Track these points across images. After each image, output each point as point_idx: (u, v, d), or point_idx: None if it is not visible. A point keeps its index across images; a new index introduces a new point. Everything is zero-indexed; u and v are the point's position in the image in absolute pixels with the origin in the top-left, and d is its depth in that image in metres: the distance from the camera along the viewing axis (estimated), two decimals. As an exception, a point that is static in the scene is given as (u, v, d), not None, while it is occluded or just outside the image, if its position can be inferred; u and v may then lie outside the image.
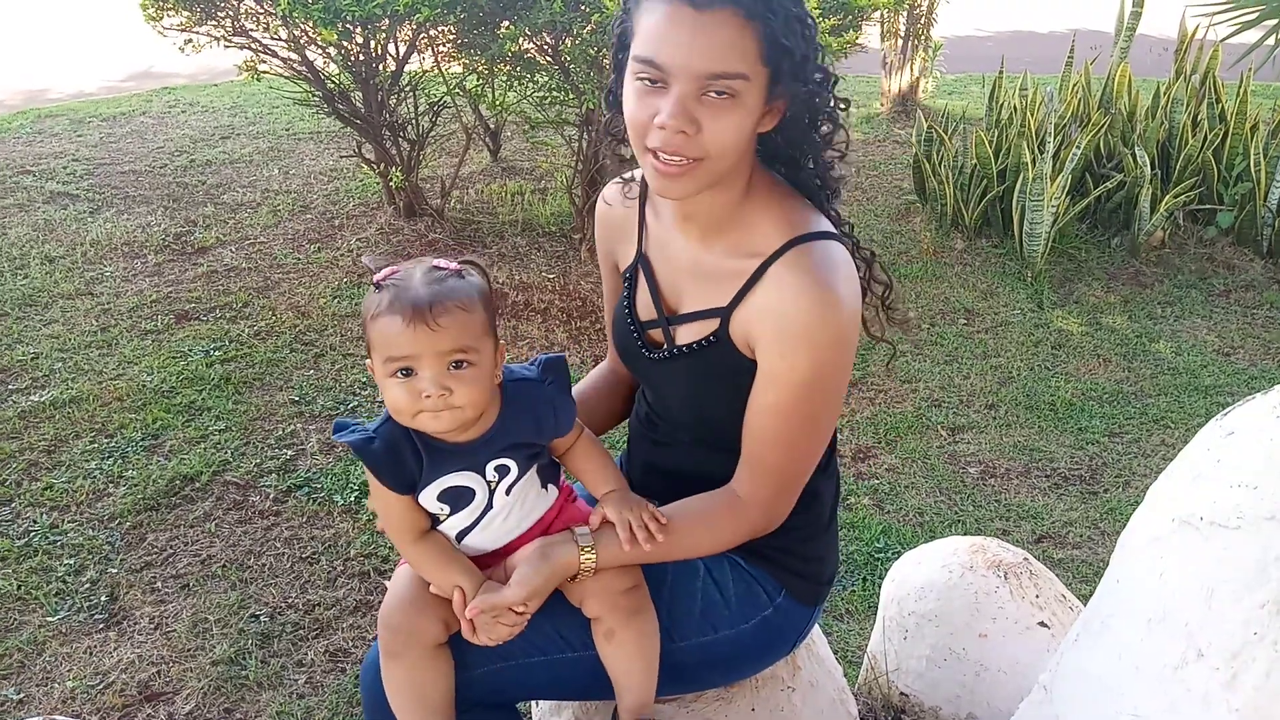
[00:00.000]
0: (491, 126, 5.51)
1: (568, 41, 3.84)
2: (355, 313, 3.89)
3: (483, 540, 1.35)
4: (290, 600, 2.60)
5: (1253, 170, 4.57)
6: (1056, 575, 2.01)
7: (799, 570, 1.47)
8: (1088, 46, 5.40)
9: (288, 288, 4.18)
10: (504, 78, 4.26)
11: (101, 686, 2.33)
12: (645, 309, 1.46)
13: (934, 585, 1.93)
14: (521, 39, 3.82)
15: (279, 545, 2.79)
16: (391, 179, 4.49)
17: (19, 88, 7.46)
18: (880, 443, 3.36)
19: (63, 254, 4.42)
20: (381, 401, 1.28)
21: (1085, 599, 1.64)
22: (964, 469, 3.24)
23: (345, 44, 3.99)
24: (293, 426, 3.30)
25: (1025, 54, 7.39)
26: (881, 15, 5.87)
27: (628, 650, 1.35)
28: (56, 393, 3.41)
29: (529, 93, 4.33)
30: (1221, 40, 4.99)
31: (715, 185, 1.28)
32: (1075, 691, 1.37)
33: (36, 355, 3.65)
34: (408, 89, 4.51)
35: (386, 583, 1.41)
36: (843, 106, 1.36)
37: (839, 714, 1.65)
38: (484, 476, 1.31)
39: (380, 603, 1.39)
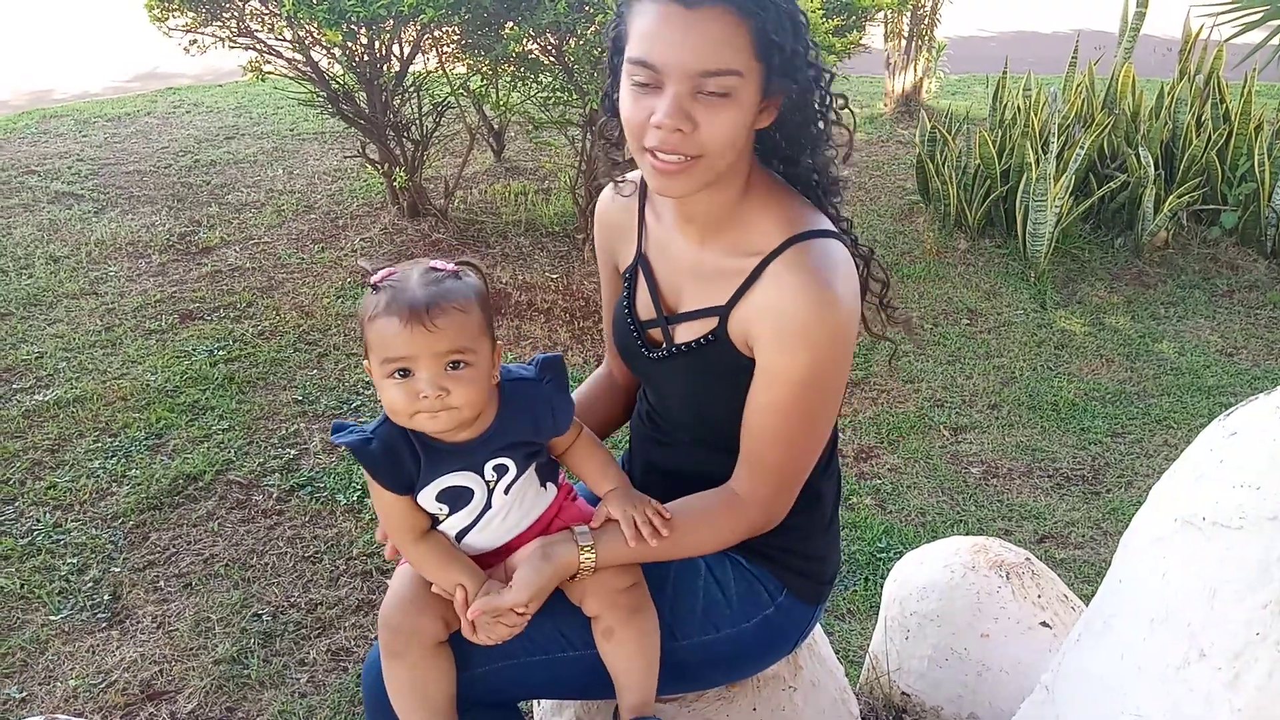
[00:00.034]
0: (495, 127, 5.51)
1: (571, 42, 3.84)
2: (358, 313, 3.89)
3: (482, 539, 1.35)
4: (293, 599, 2.60)
5: (1256, 171, 4.56)
6: (1058, 575, 2.01)
7: (801, 569, 1.47)
8: (1091, 47, 5.40)
9: (291, 288, 4.19)
10: (508, 78, 4.26)
11: (104, 685, 2.33)
12: (645, 309, 1.47)
13: (936, 585, 1.93)
14: (525, 40, 3.82)
15: (282, 544, 2.79)
16: (395, 179, 4.49)
17: (24, 88, 7.48)
18: (883, 442, 3.36)
19: (67, 254, 4.43)
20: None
21: (1087, 599, 1.63)
22: (966, 469, 3.23)
23: (350, 45, 4.00)
24: (296, 426, 3.30)
25: (1029, 54, 7.39)
26: (885, 16, 5.88)
27: (627, 648, 1.35)
28: (61, 392, 3.42)
29: (533, 93, 4.33)
30: (1225, 40, 4.99)
31: (714, 183, 1.29)
32: (1077, 691, 1.37)
33: (41, 354, 3.66)
34: (412, 90, 4.51)
35: (388, 582, 1.41)
36: (840, 103, 1.36)
37: (840, 714, 1.65)
38: (482, 476, 1.31)
39: (382, 602, 1.39)
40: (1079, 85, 5.03)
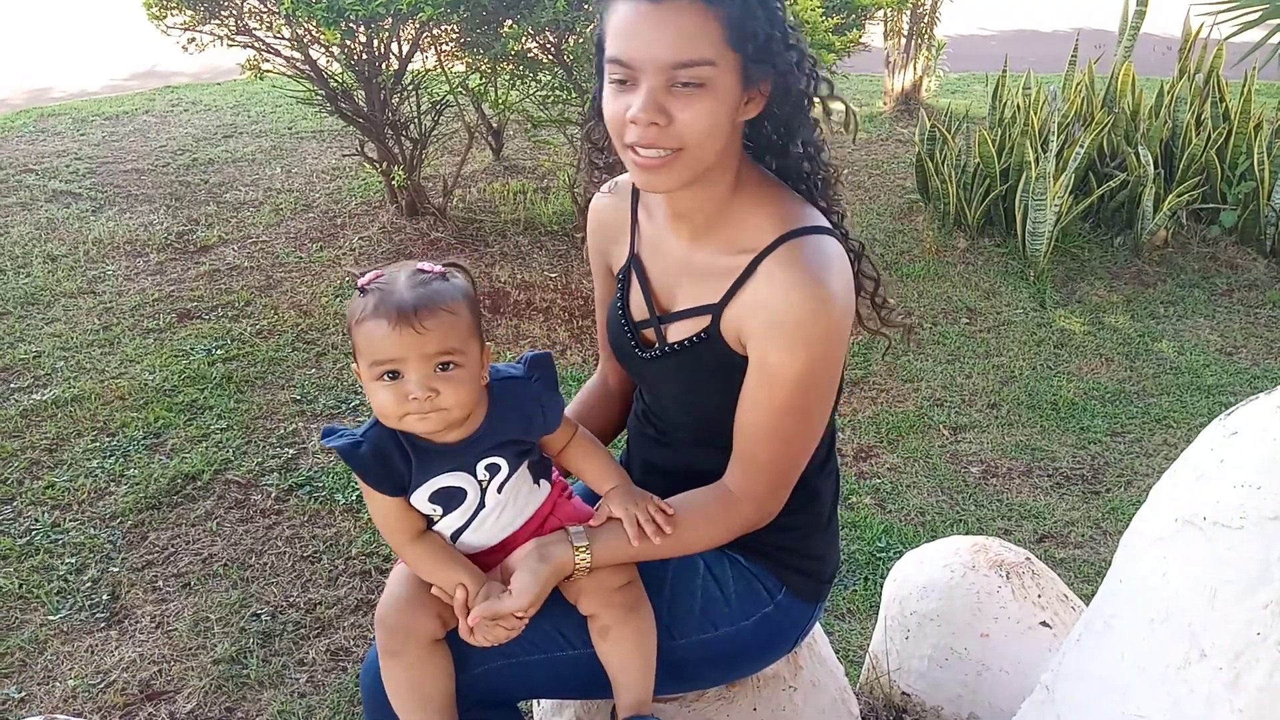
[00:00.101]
0: (494, 125, 5.51)
1: (570, 40, 3.84)
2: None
3: (477, 539, 1.35)
4: (291, 599, 2.60)
5: (1256, 169, 4.56)
6: (1058, 575, 2.01)
7: (799, 567, 1.47)
8: (1091, 45, 5.40)
9: (290, 286, 4.18)
10: (506, 77, 4.26)
11: (103, 685, 2.33)
12: (638, 308, 1.46)
13: (936, 585, 1.93)
14: (524, 38, 3.82)
15: (280, 544, 2.79)
16: (394, 178, 4.49)
17: (22, 86, 7.47)
18: (882, 442, 3.35)
19: (65, 252, 4.43)
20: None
21: (1087, 599, 1.63)
22: (966, 468, 3.23)
23: (348, 43, 3.99)
24: (294, 425, 3.30)
25: (1028, 53, 7.39)
26: (884, 14, 5.87)
27: (624, 647, 1.35)
28: (58, 391, 3.41)
29: (531, 92, 4.33)
30: (1225, 39, 4.99)
31: (701, 179, 1.28)
32: (1077, 691, 1.36)
33: (39, 354, 3.65)
34: (410, 88, 4.51)
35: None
36: (826, 90, 1.35)
37: (840, 713, 1.65)
38: (475, 476, 1.31)
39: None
40: (1079, 84, 5.03)
